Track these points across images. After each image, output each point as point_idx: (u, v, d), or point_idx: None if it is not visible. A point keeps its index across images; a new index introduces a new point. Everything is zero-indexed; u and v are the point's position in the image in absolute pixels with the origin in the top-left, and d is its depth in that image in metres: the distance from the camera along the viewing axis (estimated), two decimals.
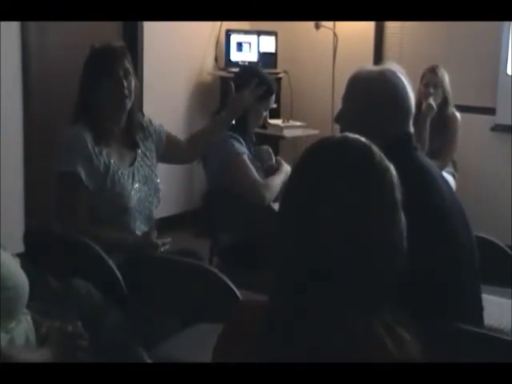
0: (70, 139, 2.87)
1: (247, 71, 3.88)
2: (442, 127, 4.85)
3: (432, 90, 4.83)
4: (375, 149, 1.31)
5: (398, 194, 1.30)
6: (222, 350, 1.36)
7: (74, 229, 2.81)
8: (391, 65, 2.36)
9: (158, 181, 3.08)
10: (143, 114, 3.20)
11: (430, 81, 4.84)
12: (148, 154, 3.06)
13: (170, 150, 3.16)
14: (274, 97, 3.60)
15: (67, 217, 2.87)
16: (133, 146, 3.02)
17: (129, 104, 2.94)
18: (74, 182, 2.81)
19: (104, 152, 2.88)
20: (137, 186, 2.96)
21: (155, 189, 3.04)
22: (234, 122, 3.38)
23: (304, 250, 1.26)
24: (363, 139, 1.33)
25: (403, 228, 1.30)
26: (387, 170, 1.30)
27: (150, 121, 3.14)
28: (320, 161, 1.30)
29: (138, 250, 2.79)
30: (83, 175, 2.81)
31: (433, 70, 4.86)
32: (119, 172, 2.91)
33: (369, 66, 2.39)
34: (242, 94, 3.23)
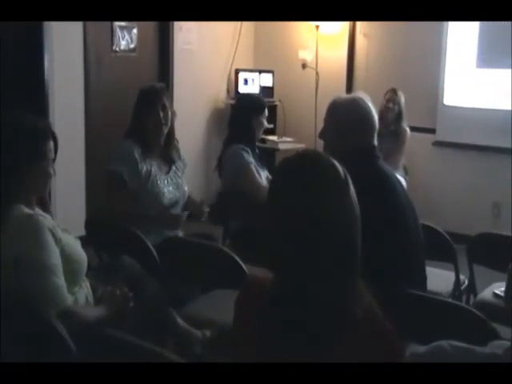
0: (122, 148, 2.91)
1: (242, 97, 4.17)
2: (394, 135, 4.85)
3: (391, 105, 4.89)
4: (335, 162, 1.25)
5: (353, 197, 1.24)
6: (240, 316, 1.34)
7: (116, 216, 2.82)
8: (360, 93, 2.35)
9: (186, 189, 3.09)
10: (177, 141, 3.17)
11: (390, 97, 4.90)
12: (179, 168, 3.08)
13: None
14: (266, 110, 3.53)
15: (110, 205, 2.87)
16: (169, 160, 3.04)
17: (165, 129, 2.97)
18: (117, 178, 2.84)
19: (148, 161, 2.92)
20: (170, 189, 2.97)
21: (183, 194, 3.07)
22: (243, 134, 3.38)
23: (291, 237, 1.22)
24: (324, 155, 1.28)
25: (357, 215, 1.23)
26: (342, 177, 1.23)
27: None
28: (293, 170, 1.25)
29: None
30: (126, 175, 2.84)
31: (394, 91, 4.93)
32: (157, 177, 2.93)
33: (343, 94, 2.38)
34: None
